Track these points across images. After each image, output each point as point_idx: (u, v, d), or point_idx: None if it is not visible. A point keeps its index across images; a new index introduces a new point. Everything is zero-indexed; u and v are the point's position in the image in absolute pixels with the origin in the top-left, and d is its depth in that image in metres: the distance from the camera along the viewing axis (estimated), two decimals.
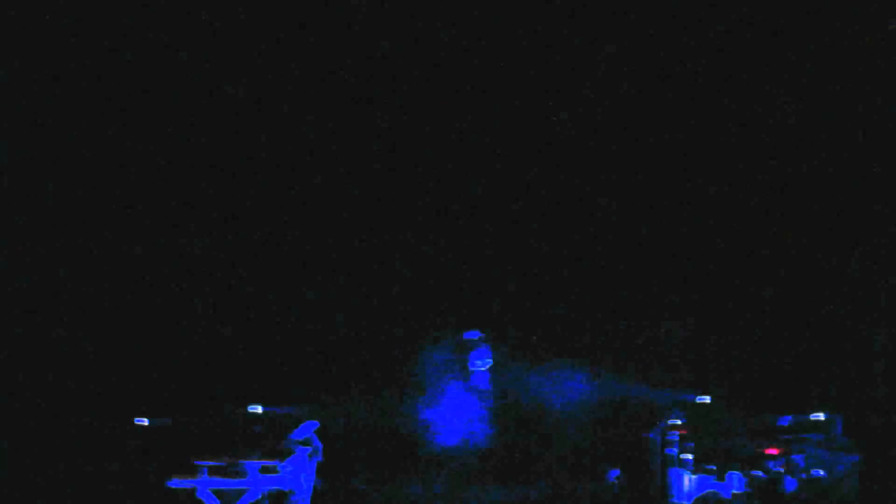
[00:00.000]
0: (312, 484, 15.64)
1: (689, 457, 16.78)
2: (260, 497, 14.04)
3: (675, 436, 16.90)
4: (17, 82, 18.28)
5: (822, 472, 16.38)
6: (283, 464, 14.27)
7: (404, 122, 20.57)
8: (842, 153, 19.41)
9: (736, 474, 16.34)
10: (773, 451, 16.68)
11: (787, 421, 17.68)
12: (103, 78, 19.00)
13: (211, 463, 14.00)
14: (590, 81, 20.19)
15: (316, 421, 15.49)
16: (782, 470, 16.25)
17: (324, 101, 20.40)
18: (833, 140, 19.48)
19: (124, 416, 18.29)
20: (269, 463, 14.15)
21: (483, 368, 21.21)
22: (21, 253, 18.38)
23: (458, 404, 21.05)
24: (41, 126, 18.49)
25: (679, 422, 16.88)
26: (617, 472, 18.07)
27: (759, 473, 16.28)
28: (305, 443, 15.36)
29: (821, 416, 17.82)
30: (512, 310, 21.81)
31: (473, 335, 21.20)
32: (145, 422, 18.12)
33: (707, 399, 19.63)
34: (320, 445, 15.56)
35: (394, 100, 20.39)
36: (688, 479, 16.65)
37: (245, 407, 18.32)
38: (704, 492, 16.07)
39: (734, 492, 16.16)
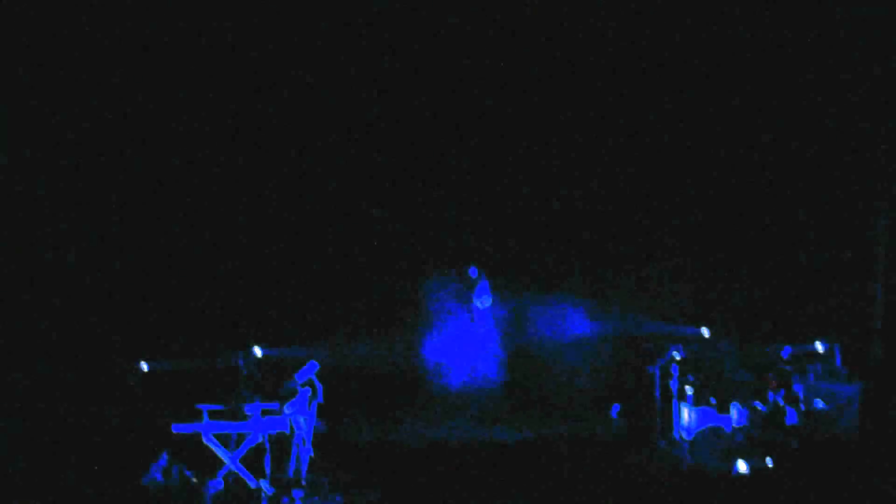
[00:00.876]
0: (313, 426, 15.67)
1: (690, 390, 16.81)
2: (261, 440, 14.06)
3: (675, 369, 16.92)
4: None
5: (822, 403, 16.41)
6: (284, 406, 14.27)
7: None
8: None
9: (736, 406, 16.35)
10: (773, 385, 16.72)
11: (786, 352, 17.69)
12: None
13: (212, 407, 14.00)
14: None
15: (317, 362, 15.47)
16: (782, 402, 16.27)
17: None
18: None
19: (125, 360, 18.37)
20: (270, 406, 14.15)
21: (484, 306, 21.24)
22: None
23: (460, 343, 21.10)
24: None
25: (679, 355, 16.88)
26: (618, 406, 18.13)
27: (760, 405, 16.29)
28: (306, 384, 15.35)
29: (820, 347, 17.85)
30: (513, 247, 21.83)
31: (473, 273, 21.22)
32: (145, 366, 18.18)
33: (707, 332, 19.66)
34: (321, 387, 15.54)
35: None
36: (688, 413, 16.69)
37: (245, 349, 18.35)
38: (705, 425, 16.09)
39: (735, 424, 16.19)
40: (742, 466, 14.65)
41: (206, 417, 13.92)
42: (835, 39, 19.28)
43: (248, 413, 14.03)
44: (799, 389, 16.56)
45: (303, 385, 15.22)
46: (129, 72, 19.43)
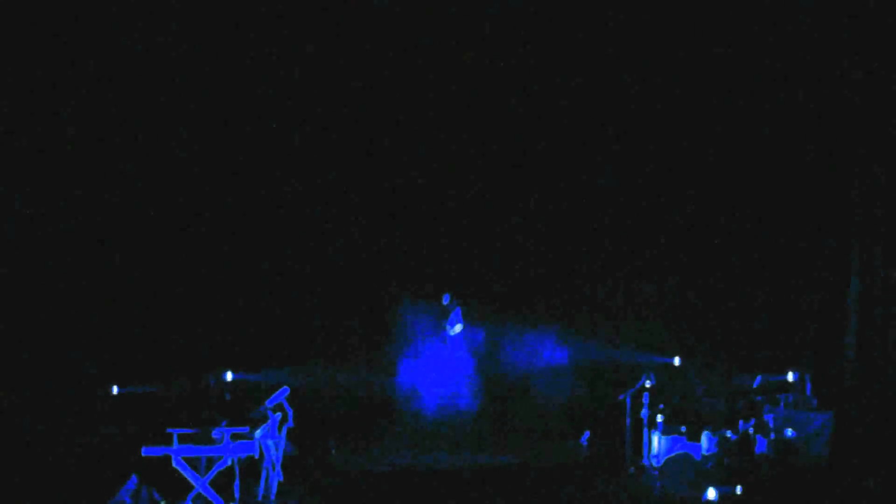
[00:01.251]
0: (283, 450, 15.66)
1: (661, 418, 16.86)
2: (231, 463, 14.03)
3: (646, 397, 16.96)
4: None
5: (792, 432, 16.47)
6: (254, 431, 14.26)
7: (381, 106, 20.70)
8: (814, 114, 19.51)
9: (706, 434, 16.40)
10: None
11: (757, 381, 17.78)
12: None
13: (182, 430, 13.97)
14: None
15: (287, 387, 15.49)
16: (752, 430, 16.32)
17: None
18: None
19: (96, 383, 18.31)
20: (240, 430, 14.13)
21: (456, 333, 21.29)
22: None
23: (432, 369, 21.13)
24: None
25: (650, 384, 16.93)
26: (588, 433, 18.16)
27: (730, 433, 16.34)
28: (277, 408, 15.36)
29: (791, 377, 17.95)
30: (486, 275, 21.89)
31: (446, 299, 21.28)
32: (116, 389, 18.12)
33: (678, 361, 19.74)
34: (290, 412, 15.56)
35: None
36: (658, 440, 16.73)
37: (216, 373, 18.35)
38: (675, 452, 16.14)
39: (705, 452, 16.23)
40: (711, 494, 14.67)
41: (175, 441, 13.88)
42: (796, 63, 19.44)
43: (218, 437, 13.99)
44: (769, 418, 16.62)
45: (273, 409, 15.22)
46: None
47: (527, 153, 21.33)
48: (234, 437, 14.07)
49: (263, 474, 14.94)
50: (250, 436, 14.16)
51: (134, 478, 14.28)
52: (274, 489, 15.13)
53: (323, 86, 20.51)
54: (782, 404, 17.30)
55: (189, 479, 14.04)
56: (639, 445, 17.16)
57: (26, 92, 18.22)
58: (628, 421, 17.14)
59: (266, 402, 15.19)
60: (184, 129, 20.14)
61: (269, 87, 20.33)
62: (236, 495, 14.12)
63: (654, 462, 16.67)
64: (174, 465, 13.95)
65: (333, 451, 18.17)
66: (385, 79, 20.61)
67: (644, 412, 16.90)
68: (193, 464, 14.17)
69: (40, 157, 18.60)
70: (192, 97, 19.87)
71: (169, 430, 13.97)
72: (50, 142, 18.76)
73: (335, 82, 20.54)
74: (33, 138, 18.49)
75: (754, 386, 17.85)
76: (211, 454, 14.12)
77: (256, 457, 14.41)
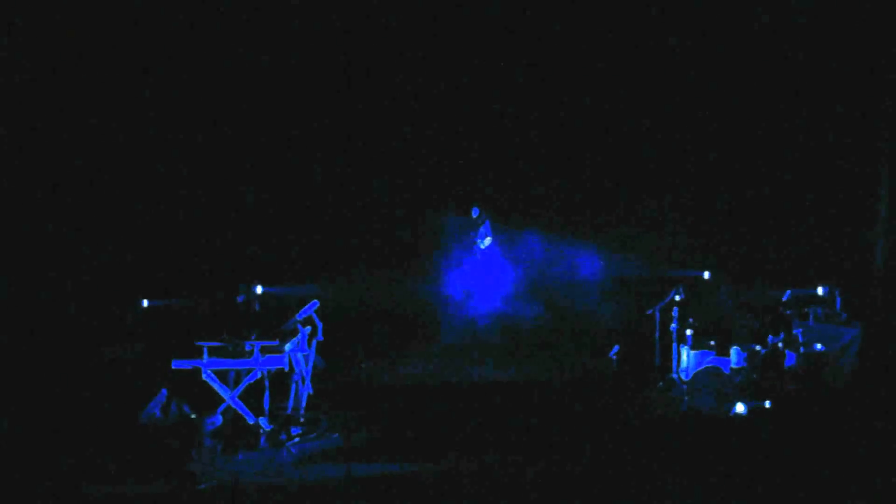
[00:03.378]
0: (313, 363, 15.72)
1: (690, 332, 16.84)
2: (260, 376, 14.10)
3: (676, 312, 16.94)
4: None
5: (821, 346, 16.43)
6: (284, 344, 14.31)
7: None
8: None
9: (735, 349, 16.38)
10: None
11: (787, 295, 17.71)
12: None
13: (213, 343, 14.02)
14: None
15: (317, 301, 15.49)
16: (781, 344, 16.28)
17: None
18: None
19: (128, 296, 18.39)
20: (270, 343, 14.17)
21: (485, 246, 21.26)
22: None
23: (462, 283, 21.14)
24: None
25: (679, 298, 16.89)
26: (618, 347, 18.16)
27: (759, 348, 16.31)
28: (307, 322, 15.39)
29: (820, 291, 17.87)
30: (517, 189, 21.84)
31: (475, 213, 21.22)
32: (146, 303, 18.20)
33: (708, 275, 19.68)
34: (320, 325, 15.59)
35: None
36: (687, 355, 16.73)
37: (247, 287, 18.39)
38: (704, 366, 16.12)
39: (733, 366, 16.22)
40: (740, 408, 14.67)
41: (205, 354, 13.95)
42: None
43: (248, 350, 14.04)
44: (798, 332, 16.57)
45: (303, 323, 15.26)
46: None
47: (553, 68, 21.16)
48: (264, 350, 14.10)
49: (293, 387, 15.01)
50: (280, 349, 14.20)
51: (164, 391, 14.38)
52: (304, 402, 15.21)
53: None
54: (811, 318, 17.27)
55: (219, 391, 14.13)
56: (668, 359, 17.17)
57: None
58: (657, 335, 17.14)
59: (296, 316, 15.20)
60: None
61: None
62: (266, 408, 14.20)
63: (682, 376, 16.68)
64: (204, 377, 14.03)
65: (363, 365, 18.25)
66: None
67: (673, 326, 16.89)
68: (223, 377, 14.25)
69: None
70: None
71: (199, 343, 14.02)
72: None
73: None
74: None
75: (784, 300, 17.77)
76: (240, 367, 14.19)
77: (286, 370, 14.46)
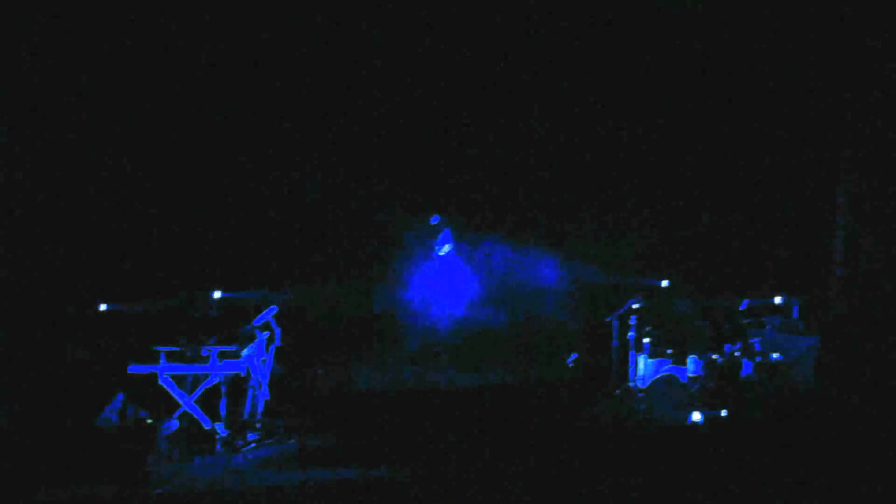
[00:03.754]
0: (270, 369, 15.70)
1: (647, 340, 16.92)
2: (217, 381, 14.06)
3: (633, 320, 17.03)
4: None
5: (778, 356, 16.52)
6: (241, 349, 14.28)
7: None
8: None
9: (692, 357, 16.44)
10: None
11: (744, 304, 17.80)
12: None
13: (169, 348, 13.97)
14: None
15: (275, 306, 15.48)
16: (738, 353, 16.37)
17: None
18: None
19: (82, 300, 18.24)
20: (228, 348, 14.14)
21: (444, 253, 21.25)
22: None
23: (421, 289, 21.13)
24: None
25: (637, 306, 16.97)
26: (575, 355, 18.22)
27: (716, 356, 16.39)
28: (264, 327, 15.37)
29: (778, 300, 17.97)
30: (476, 196, 21.83)
31: (434, 220, 21.20)
32: (103, 307, 18.08)
33: (666, 283, 19.75)
34: (279, 330, 15.57)
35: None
36: (644, 363, 16.80)
37: (204, 291, 18.31)
38: (661, 374, 16.19)
39: (690, 375, 16.29)
40: (696, 416, 14.75)
41: (162, 359, 13.90)
42: None
43: (205, 355, 14.01)
44: (756, 342, 16.66)
45: (261, 328, 15.24)
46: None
47: (519, 73, 21.17)
48: (222, 355, 14.09)
49: (250, 393, 14.99)
50: (237, 354, 14.19)
51: (120, 395, 14.31)
52: (260, 408, 15.18)
53: None
54: (769, 327, 17.36)
55: (175, 397, 14.07)
56: (625, 367, 17.24)
57: None
58: (615, 343, 17.20)
59: (254, 321, 15.19)
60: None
61: None
62: (222, 414, 14.16)
63: (639, 384, 16.75)
64: (160, 383, 13.97)
65: (320, 371, 18.22)
66: None
67: (631, 334, 16.96)
68: (180, 382, 14.20)
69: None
70: None
71: (155, 347, 13.98)
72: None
73: None
74: None
75: (741, 309, 17.85)
76: (197, 372, 14.14)
77: (243, 375, 14.45)
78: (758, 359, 16.34)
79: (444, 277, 21.29)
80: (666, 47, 20.23)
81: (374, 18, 20.12)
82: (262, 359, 15.34)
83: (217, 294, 18.26)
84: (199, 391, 14.14)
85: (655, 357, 16.79)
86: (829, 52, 18.23)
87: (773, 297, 18.16)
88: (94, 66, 18.92)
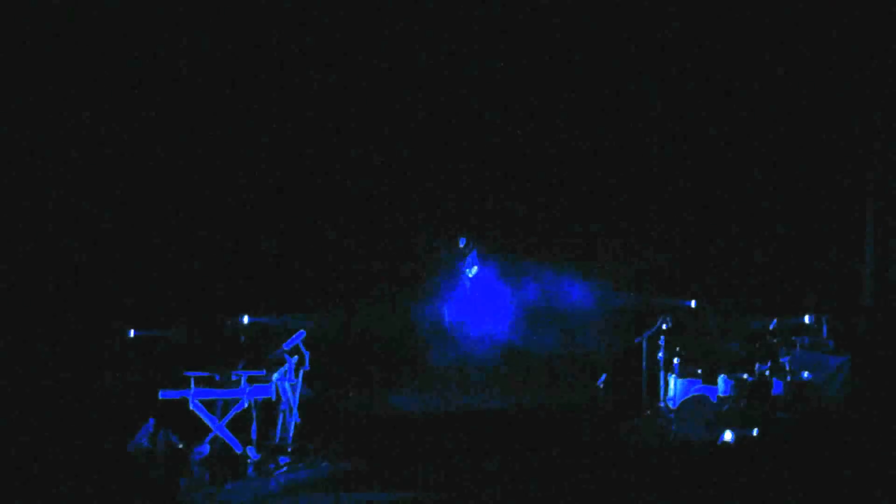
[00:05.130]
0: (300, 392, 15.72)
1: (677, 360, 16.87)
2: (247, 406, 14.10)
3: (662, 340, 16.98)
4: None
5: (808, 374, 16.45)
6: (271, 373, 14.33)
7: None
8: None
9: (723, 377, 16.37)
10: None
11: (774, 324, 17.73)
12: None
13: (199, 373, 14.03)
14: None
15: (304, 330, 15.52)
16: (769, 372, 16.29)
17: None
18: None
19: (113, 327, 18.34)
20: (257, 373, 14.19)
21: (472, 274, 21.26)
22: None
23: (450, 312, 21.13)
24: None
25: (666, 326, 16.93)
26: (605, 376, 18.16)
27: (746, 376, 16.31)
28: (293, 351, 15.40)
29: (807, 319, 17.91)
30: (505, 218, 21.86)
31: (462, 242, 21.23)
32: (133, 333, 18.16)
33: (695, 303, 19.71)
34: (307, 354, 15.60)
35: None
36: (674, 383, 16.76)
37: (234, 317, 18.40)
38: (691, 394, 16.13)
39: (721, 394, 16.22)
40: (728, 436, 14.69)
41: (192, 384, 13.95)
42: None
43: (235, 380, 14.06)
44: (785, 361, 16.59)
45: (290, 352, 15.27)
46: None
47: (542, 94, 21.22)
48: (251, 379, 14.14)
49: (280, 417, 15.03)
50: (267, 378, 14.25)
51: (152, 421, 14.36)
52: (291, 431, 15.20)
53: None
54: (798, 347, 17.30)
55: (206, 421, 14.11)
56: (655, 388, 17.19)
57: None
58: (644, 364, 17.15)
59: (283, 345, 15.23)
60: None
61: None
62: (253, 438, 14.20)
63: (670, 404, 16.70)
64: (191, 407, 14.02)
65: (351, 395, 18.24)
66: None
67: (660, 354, 16.92)
68: (210, 407, 14.25)
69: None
70: None
71: (186, 373, 14.03)
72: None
73: None
74: None
75: (770, 328, 17.78)
76: (228, 397, 14.19)
77: (273, 399, 14.49)
78: (788, 378, 16.26)
79: (474, 299, 21.30)
80: (700, 71, 20.26)
81: (408, 48, 20.27)
82: (292, 383, 15.35)
83: (246, 319, 18.36)
84: (230, 416, 14.17)
85: (685, 377, 16.73)
86: (858, 71, 18.27)
87: (802, 316, 18.10)
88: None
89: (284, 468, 13.93)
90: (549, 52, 20.74)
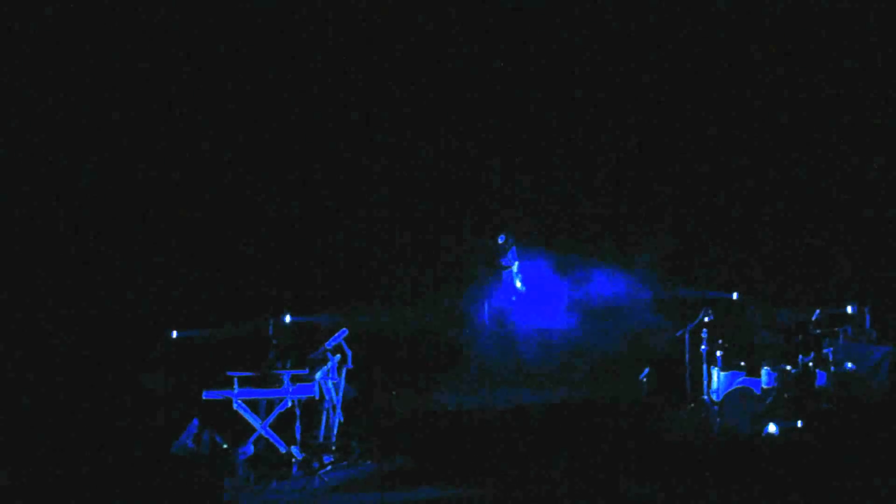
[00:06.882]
0: (343, 391, 15.75)
1: (720, 353, 16.79)
2: (291, 405, 14.15)
3: (705, 333, 16.90)
4: None
5: (852, 365, 16.34)
6: (314, 372, 14.37)
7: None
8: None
9: (766, 369, 16.28)
10: None
11: (816, 314, 17.61)
12: None
13: (243, 373, 14.09)
14: None
15: (346, 329, 15.55)
16: (812, 364, 16.19)
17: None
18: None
19: (156, 328, 18.44)
20: (300, 371, 14.23)
21: (512, 269, 21.26)
22: None
23: (492, 308, 21.14)
24: None
25: (708, 319, 16.84)
26: (648, 370, 18.09)
27: (789, 367, 16.21)
28: (336, 350, 15.44)
29: (850, 310, 17.76)
30: (545, 212, 21.85)
31: (501, 238, 21.21)
32: (175, 334, 18.26)
33: (736, 295, 19.62)
34: (350, 353, 15.63)
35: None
36: (717, 375, 16.68)
37: (276, 316, 18.45)
38: (734, 387, 16.05)
39: (764, 386, 16.13)
40: (772, 428, 14.63)
41: (236, 384, 14.01)
42: None
43: (278, 379, 14.11)
44: (829, 352, 16.48)
45: (332, 351, 15.31)
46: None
47: (582, 89, 21.21)
48: (294, 378, 14.18)
49: (324, 416, 15.06)
50: (310, 377, 14.28)
51: (196, 421, 14.45)
52: (335, 430, 15.24)
53: None
54: (841, 337, 17.17)
55: (250, 421, 14.18)
56: (698, 381, 17.11)
57: None
58: (687, 356, 17.08)
59: (325, 344, 15.27)
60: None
61: None
62: (297, 437, 14.25)
63: (713, 397, 16.63)
64: (235, 407, 14.08)
65: (395, 393, 18.26)
66: None
67: (703, 347, 16.85)
68: (254, 406, 14.32)
69: None
70: None
71: (229, 373, 14.09)
72: None
73: None
74: None
75: (813, 319, 17.65)
76: (271, 396, 14.25)
77: (317, 398, 14.53)
78: (832, 369, 16.16)
79: (512, 296, 21.29)
80: (738, 74, 20.18)
81: (453, 43, 20.28)
82: (335, 381, 15.39)
83: (288, 318, 18.41)
84: (274, 415, 14.23)
85: (728, 369, 16.64)
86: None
87: (845, 307, 17.96)
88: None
89: (329, 467, 13.98)
90: (595, 47, 20.70)
